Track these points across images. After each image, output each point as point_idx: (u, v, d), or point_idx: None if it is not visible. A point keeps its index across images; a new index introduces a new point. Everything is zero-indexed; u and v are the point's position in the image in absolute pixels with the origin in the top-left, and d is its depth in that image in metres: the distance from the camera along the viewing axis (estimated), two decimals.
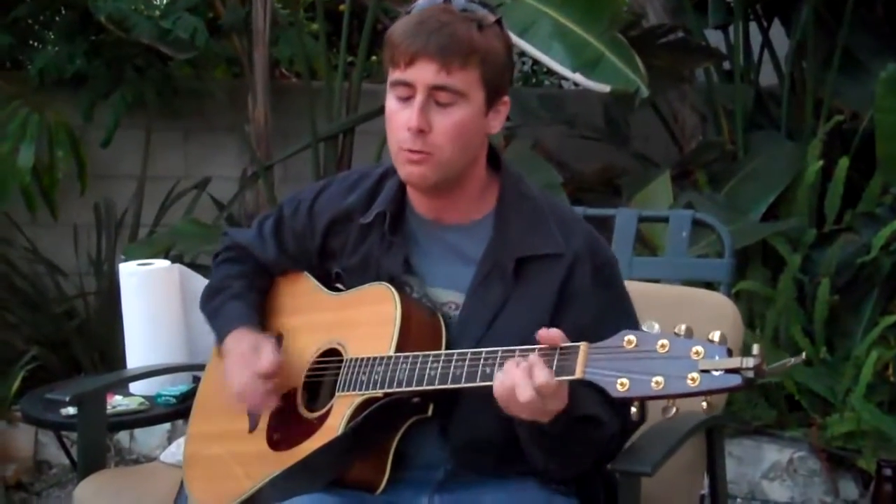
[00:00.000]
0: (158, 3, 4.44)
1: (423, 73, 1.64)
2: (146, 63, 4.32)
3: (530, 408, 1.51)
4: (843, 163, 3.75)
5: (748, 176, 3.99)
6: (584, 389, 1.57)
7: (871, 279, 3.64)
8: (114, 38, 4.19)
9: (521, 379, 1.50)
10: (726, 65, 4.48)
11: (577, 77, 3.32)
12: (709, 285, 2.42)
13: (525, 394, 1.49)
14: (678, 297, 2.23)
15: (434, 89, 1.65)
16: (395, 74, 1.67)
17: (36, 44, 4.63)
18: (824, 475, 3.43)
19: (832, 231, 3.76)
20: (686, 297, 2.24)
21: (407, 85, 1.66)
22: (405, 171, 1.70)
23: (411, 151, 1.67)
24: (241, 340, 1.81)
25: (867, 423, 3.30)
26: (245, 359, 1.77)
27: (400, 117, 1.67)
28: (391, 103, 1.69)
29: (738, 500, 3.50)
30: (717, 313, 2.13)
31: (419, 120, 1.65)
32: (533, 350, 1.53)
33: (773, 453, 3.49)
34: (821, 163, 3.78)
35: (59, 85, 4.26)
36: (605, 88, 3.32)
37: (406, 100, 1.67)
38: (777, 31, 4.52)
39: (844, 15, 4.02)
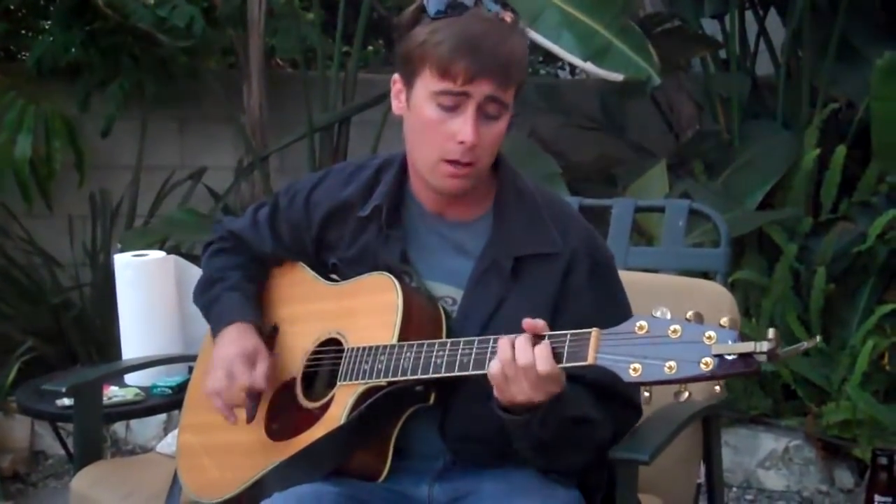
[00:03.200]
0: None
1: (482, 89, 1.61)
2: (142, 52, 4.31)
3: (527, 379, 1.51)
4: (840, 151, 3.75)
5: (744, 165, 3.98)
6: (577, 390, 1.59)
7: (867, 268, 3.65)
8: (110, 27, 4.17)
9: (522, 345, 1.51)
10: (722, 54, 4.47)
11: (588, 66, 3.31)
12: (705, 275, 2.43)
13: (524, 357, 1.50)
14: (675, 287, 2.23)
15: (486, 101, 1.62)
16: (442, 85, 1.62)
17: (29, 33, 4.62)
18: (820, 464, 3.44)
19: (828, 220, 3.76)
20: (683, 286, 2.24)
21: (460, 95, 1.62)
22: (445, 183, 1.68)
23: (457, 164, 1.65)
24: (240, 338, 1.80)
25: (863, 412, 3.31)
26: (240, 363, 1.76)
27: (446, 128, 1.64)
28: (432, 112, 1.64)
29: (734, 488, 3.50)
30: (713, 302, 2.13)
31: (475, 135, 1.62)
32: (542, 336, 1.53)
33: (769, 442, 3.50)
34: (817, 151, 3.79)
35: (55, 75, 4.24)
36: (618, 77, 3.30)
37: (452, 109, 1.63)
38: (773, 20, 4.52)
39: (840, 3, 4.01)
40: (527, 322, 1.54)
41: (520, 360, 1.51)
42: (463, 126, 1.62)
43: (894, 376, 3.46)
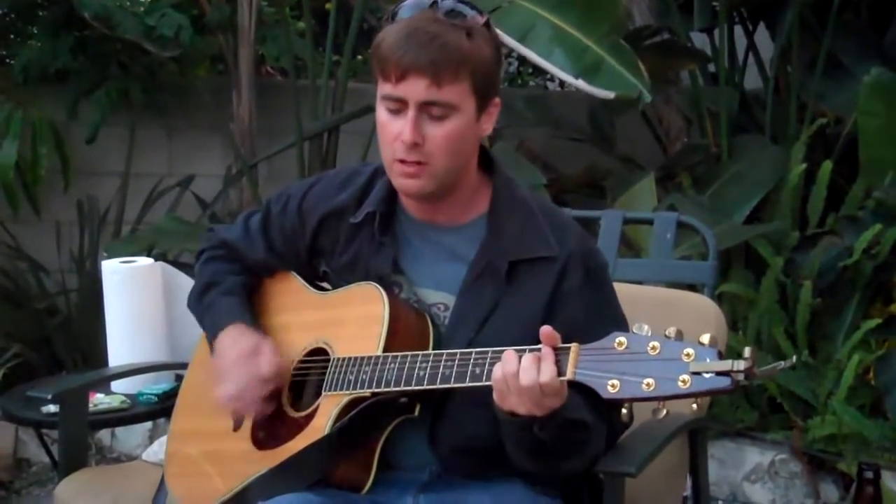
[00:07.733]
0: None
1: (415, 89, 1.62)
2: (130, 59, 4.30)
3: (529, 396, 1.50)
4: (827, 166, 3.77)
5: (732, 178, 4.00)
6: (574, 393, 1.57)
7: (853, 282, 3.66)
8: (98, 35, 4.17)
9: (528, 364, 1.50)
10: (711, 68, 4.49)
11: (580, 83, 3.28)
12: (692, 287, 2.43)
13: (527, 377, 1.48)
14: (662, 299, 2.24)
15: (425, 104, 1.63)
16: (385, 88, 1.65)
17: (17, 39, 4.61)
18: (805, 478, 3.45)
19: (815, 234, 3.77)
20: (670, 299, 2.25)
21: (398, 100, 1.64)
22: (400, 183, 1.69)
23: (406, 163, 1.66)
24: (239, 340, 1.79)
25: (848, 426, 3.32)
26: (245, 361, 1.75)
27: (392, 128, 1.66)
28: (382, 114, 1.68)
29: (720, 502, 3.51)
30: (700, 315, 2.14)
31: (413, 134, 1.63)
32: (524, 350, 1.52)
33: (755, 455, 3.51)
34: (804, 166, 3.80)
35: (43, 81, 4.24)
36: (610, 95, 3.28)
37: (397, 112, 1.65)
38: (762, 35, 4.54)
39: (829, 19, 4.03)
40: (545, 331, 1.52)
41: (523, 381, 1.50)
42: (403, 126, 1.64)
43: (880, 391, 3.47)
